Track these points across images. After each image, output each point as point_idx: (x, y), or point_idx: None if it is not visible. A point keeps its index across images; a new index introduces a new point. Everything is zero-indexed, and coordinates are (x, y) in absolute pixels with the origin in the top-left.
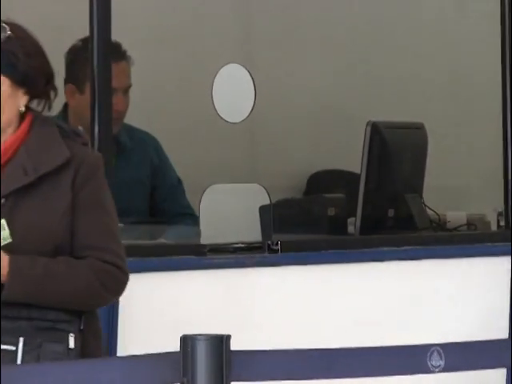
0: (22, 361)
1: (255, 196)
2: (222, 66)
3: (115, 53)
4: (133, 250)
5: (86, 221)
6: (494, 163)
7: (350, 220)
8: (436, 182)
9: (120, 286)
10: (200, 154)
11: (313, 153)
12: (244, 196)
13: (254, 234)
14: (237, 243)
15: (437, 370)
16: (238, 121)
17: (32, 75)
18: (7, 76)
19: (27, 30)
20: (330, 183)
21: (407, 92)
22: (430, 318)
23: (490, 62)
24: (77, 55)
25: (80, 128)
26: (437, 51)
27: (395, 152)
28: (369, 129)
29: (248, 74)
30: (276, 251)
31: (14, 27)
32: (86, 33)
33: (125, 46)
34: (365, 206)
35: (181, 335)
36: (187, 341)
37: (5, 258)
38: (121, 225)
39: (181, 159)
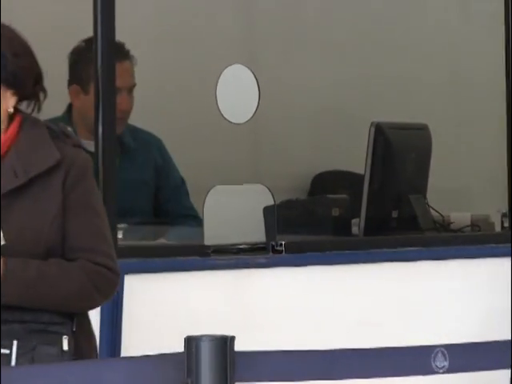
0: (16, 364)
1: (259, 197)
2: (226, 67)
3: (119, 52)
4: (136, 251)
5: (76, 223)
6: (498, 164)
7: (354, 221)
8: (440, 183)
9: (112, 287)
10: (204, 154)
11: (317, 153)
12: (248, 197)
13: (257, 235)
14: (241, 244)
15: (441, 370)
16: (241, 121)
17: (20, 76)
18: None
19: (15, 29)
20: (333, 184)
21: (411, 93)
22: (434, 319)
23: (494, 63)
24: (80, 56)
25: (69, 129)
26: (440, 52)
27: (399, 153)
28: (373, 130)
29: (252, 74)
30: (280, 252)
31: (2, 27)
32: (89, 33)
33: (128, 46)
34: (369, 206)
35: (185, 336)
36: (191, 342)
37: None
38: (124, 225)
39: (184, 160)
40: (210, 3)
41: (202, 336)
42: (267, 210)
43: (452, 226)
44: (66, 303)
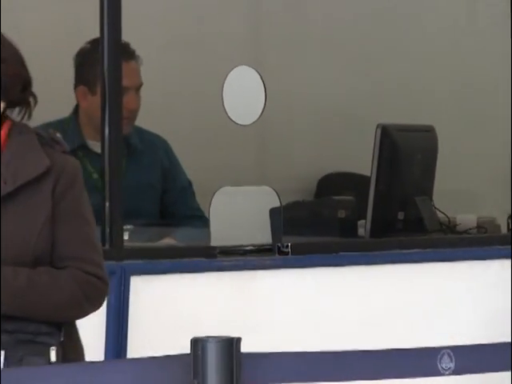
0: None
1: (265, 198)
2: (233, 69)
3: (124, 52)
4: (142, 252)
5: (66, 230)
6: (504, 166)
7: (360, 222)
8: (446, 184)
9: (101, 297)
10: (210, 156)
11: (323, 155)
12: (254, 198)
13: (264, 237)
14: (247, 245)
15: (447, 372)
16: (248, 123)
17: (8, 82)
18: None
19: (3, 34)
20: (340, 186)
21: (417, 95)
22: (440, 321)
23: (501, 65)
24: (86, 57)
25: (58, 135)
26: (446, 54)
27: (405, 155)
28: (379, 132)
29: (258, 76)
30: (286, 253)
31: None
32: (94, 34)
33: (136, 48)
34: (375, 208)
35: (191, 337)
36: (198, 343)
37: None
38: (130, 226)
39: (191, 161)
40: (217, 5)
41: (208, 337)
42: (273, 212)
43: (458, 228)
44: (56, 313)
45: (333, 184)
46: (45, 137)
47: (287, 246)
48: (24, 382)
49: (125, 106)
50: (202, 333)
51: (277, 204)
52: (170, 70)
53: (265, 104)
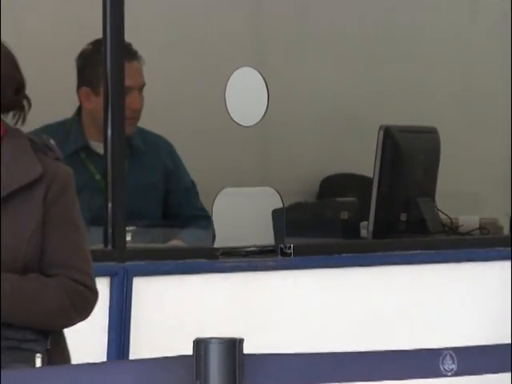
0: None
1: (268, 199)
2: (235, 70)
3: (127, 52)
4: (145, 253)
5: (55, 238)
6: (507, 167)
7: (363, 224)
8: (449, 186)
9: (89, 306)
10: (212, 157)
11: (325, 156)
12: (257, 199)
13: (266, 238)
14: (249, 247)
15: (449, 373)
16: (250, 124)
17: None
18: None
19: None
20: (342, 187)
21: (420, 97)
22: (442, 322)
23: (503, 66)
24: (89, 58)
25: (52, 142)
26: (449, 56)
27: (408, 156)
28: (381, 133)
29: (261, 77)
30: (289, 255)
31: None
32: (98, 35)
33: (138, 49)
34: (377, 209)
35: (194, 339)
36: (200, 344)
37: None
38: (133, 228)
39: (193, 162)
40: (220, 6)
41: (210, 338)
42: (276, 213)
43: (460, 229)
44: (43, 320)
45: (335, 185)
46: (38, 143)
47: (290, 248)
48: (25, 383)
49: (128, 106)
50: (204, 334)
51: (279, 205)
52: (173, 72)
53: (267, 105)
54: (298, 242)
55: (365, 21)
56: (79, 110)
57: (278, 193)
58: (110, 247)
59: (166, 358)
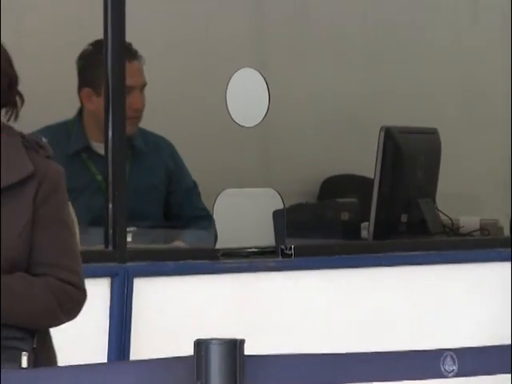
0: None
1: (269, 200)
2: (236, 71)
3: (127, 52)
4: (146, 254)
5: (44, 236)
6: (507, 168)
7: (364, 225)
8: (449, 187)
9: (77, 306)
10: (213, 158)
11: (326, 157)
12: (257, 200)
13: (267, 239)
14: (250, 248)
15: (450, 374)
16: (251, 125)
17: None
18: None
19: None
20: (343, 188)
21: (420, 97)
22: (443, 323)
23: (504, 67)
24: (89, 59)
25: (44, 139)
26: (450, 57)
27: (408, 157)
28: (382, 134)
29: (262, 78)
30: (289, 256)
31: None
32: (99, 35)
33: (139, 49)
34: (378, 210)
35: (194, 339)
36: (201, 345)
37: None
38: (134, 229)
39: (194, 163)
40: (220, 7)
41: (211, 339)
42: (277, 214)
43: (461, 230)
44: (29, 320)
45: (336, 186)
46: (30, 140)
47: (290, 248)
48: (25, 383)
49: (130, 106)
50: (205, 335)
51: (280, 206)
52: (174, 72)
53: (268, 106)
54: (299, 242)
55: (365, 22)
56: (81, 111)
57: (279, 194)
58: (110, 248)
59: (167, 358)
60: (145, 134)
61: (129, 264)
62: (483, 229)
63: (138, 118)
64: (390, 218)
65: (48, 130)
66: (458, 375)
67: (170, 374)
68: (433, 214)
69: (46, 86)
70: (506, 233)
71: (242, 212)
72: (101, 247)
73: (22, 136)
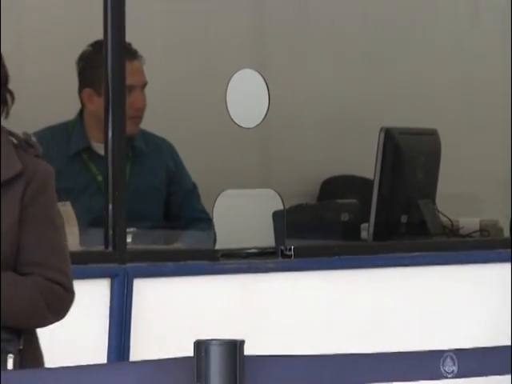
0: None
1: (268, 201)
2: (236, 72)
3: (128, 52)
4: (146, 255)
5: (32, 235)
6: (507, 169)
7: (363, 226)
8: (449, 188)
9: (65, 306)
10: (213, 158)
11: (326, 158)
12: (257, 201)
13: (267, 240)
14: (250, 248)
15: (450, 375)
16: (251, 126)
17: None
18: None
19: None
20: (343, 189)
21: (421, 99)
22: (443, 324)
23: (504, 68)
24: (90, 60)
25: (33, 138)
26: (450, 57)
27: (408, 158)
28: (382, 135)
29: (262, 79)
30: (289, 256)
31: None
32: (99, 36)
33: (139, 50)
34: (378, 211)
35: (194, 340)
36: (201, 346)
37: None
38: (133, 229)
39: (194, 164)
40: (220, 7)
41: (211, 340)
42: (276, 215)
43: (461, 232)
44: (17, 320)
45: (336, 187)
46: (18, 139)
47: (290, 249)
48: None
49: (131, 105)
50: (205, 335)
51: (280, 207)
52: (174, 73)
53: (268, 107)
54: (299, 243)
55: (365, 22)
56: (81, 112)
57: (279, 194)
58: (110, 248)
59: (167, 359)
60: (145, 134)
61: (129, 265)
62: (483, 230)
63: (140, 117)
64: (389, 218)
65: (49, 131)
66: (457, 376)
67: (170, 374)
68: (433, 214)
69: (46, 87)
70: (506, 234)
71: (242, 213)
72: (101, 248)
73: (11, 134)
